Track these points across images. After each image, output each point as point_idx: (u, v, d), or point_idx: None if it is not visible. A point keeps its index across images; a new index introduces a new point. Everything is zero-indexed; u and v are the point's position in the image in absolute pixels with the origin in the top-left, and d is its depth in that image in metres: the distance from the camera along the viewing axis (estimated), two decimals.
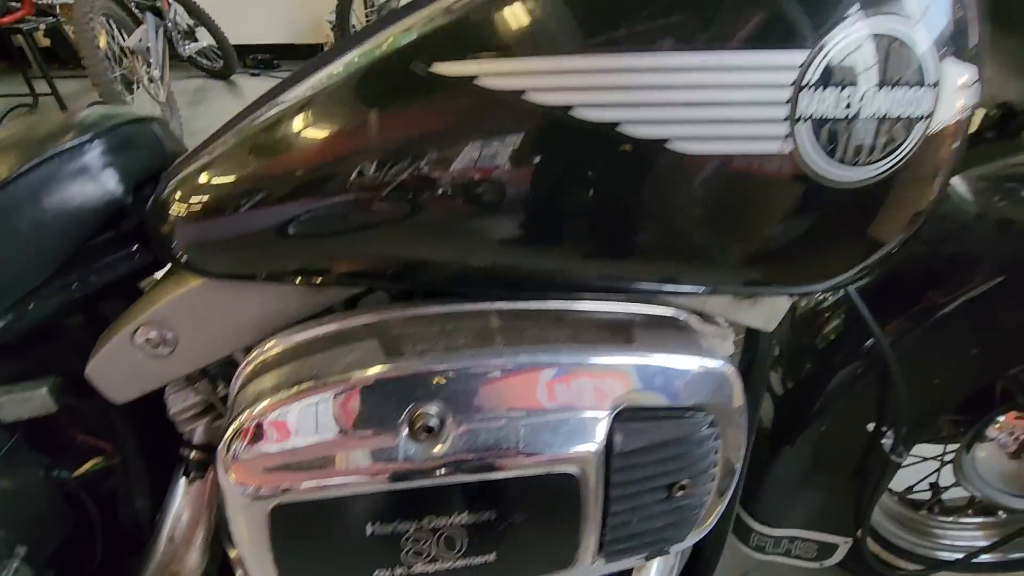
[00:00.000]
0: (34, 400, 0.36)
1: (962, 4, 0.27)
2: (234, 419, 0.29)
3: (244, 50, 3.54)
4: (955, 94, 0.27)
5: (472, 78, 0.26)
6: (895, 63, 0.25)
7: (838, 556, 0.72)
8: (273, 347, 0.33)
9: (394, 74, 0.28)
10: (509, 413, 0.29)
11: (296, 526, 0.29)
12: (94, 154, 0.37)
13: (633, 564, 0.38)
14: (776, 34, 0.25)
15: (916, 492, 0.84)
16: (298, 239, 0.31)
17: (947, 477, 0.77)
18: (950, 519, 0.83)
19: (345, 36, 3.26)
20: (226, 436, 0.28)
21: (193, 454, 0.41)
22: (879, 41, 0.24)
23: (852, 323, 0.60)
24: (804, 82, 0.25)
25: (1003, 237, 0.54)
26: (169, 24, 2.56)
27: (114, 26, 2.17)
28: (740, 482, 0.44)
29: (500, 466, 0.28)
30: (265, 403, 0.29)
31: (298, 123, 0.30)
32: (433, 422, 0.28)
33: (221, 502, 0.30)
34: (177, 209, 0.31)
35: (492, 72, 0.26)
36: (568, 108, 0.26)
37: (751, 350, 0.48)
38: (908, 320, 0.57)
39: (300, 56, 3.77)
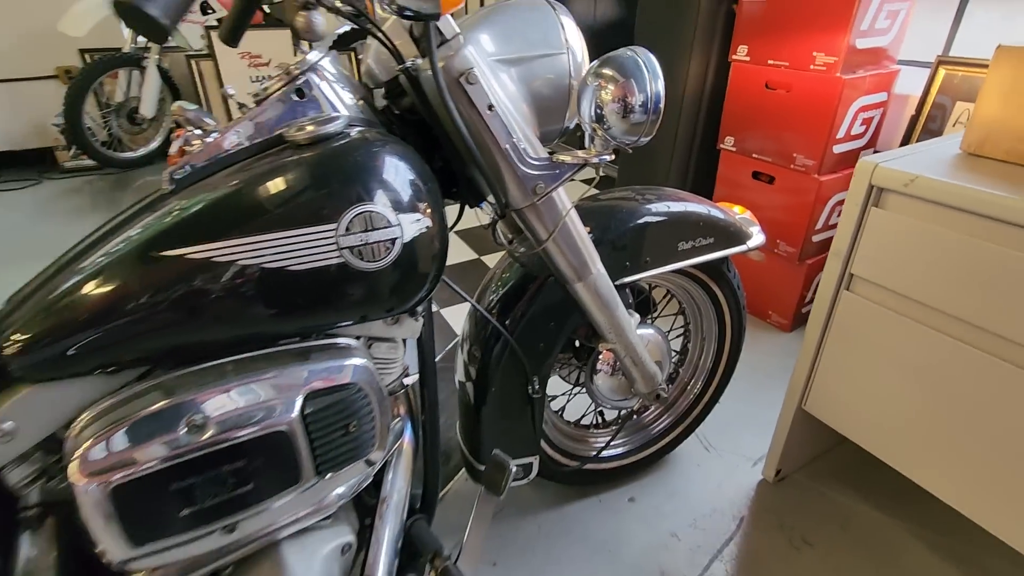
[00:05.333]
0: None
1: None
2: (77, 450, 0.51)
3: None
4: (413, 225, 0.63)
5: (181, 255, 0.54)
6: (377, 221, 0.60)
7: (535, 470, 1.10)
8: (91, 412, 0.55)
9: (137, 257, 0.54)
10: (242, 407, 0.56)
11: (131, 497, 0.52)
12: None
13: (351, 477, 0.67)
14: (317, 212, 0.58)
15: (584, 421, 1.29)
16: (99, 352, 0.54)
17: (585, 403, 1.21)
18: (601, 432, 1.29)
19: (80, 136, 3.10)
20: (75, 460, 0.50)
21: (33, 511, 0.59)
22: (366, 213, 0.59)
23: (490, 325, 0.98)
24: (343, 232, 0.59)
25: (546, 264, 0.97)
26: None
27: None
28: (417, 412, 0.78)
29: (241, 434, 0.55)
30: (96, 434, 0.52)
31: (90, 284, 0.54)
32: (200, 421, 0.54)
33: (79, 503, 0.51)
34: (11, 338, 0.53)
35: (190, 252, 0.54)
36: (232, 261, 0.55)
37: (420, 349, 0.82)
38: (516, 312, 0.97)
39: (25, 163, 3.43)
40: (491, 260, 2.31)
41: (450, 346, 1.69)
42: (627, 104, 0.69)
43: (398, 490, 0.79)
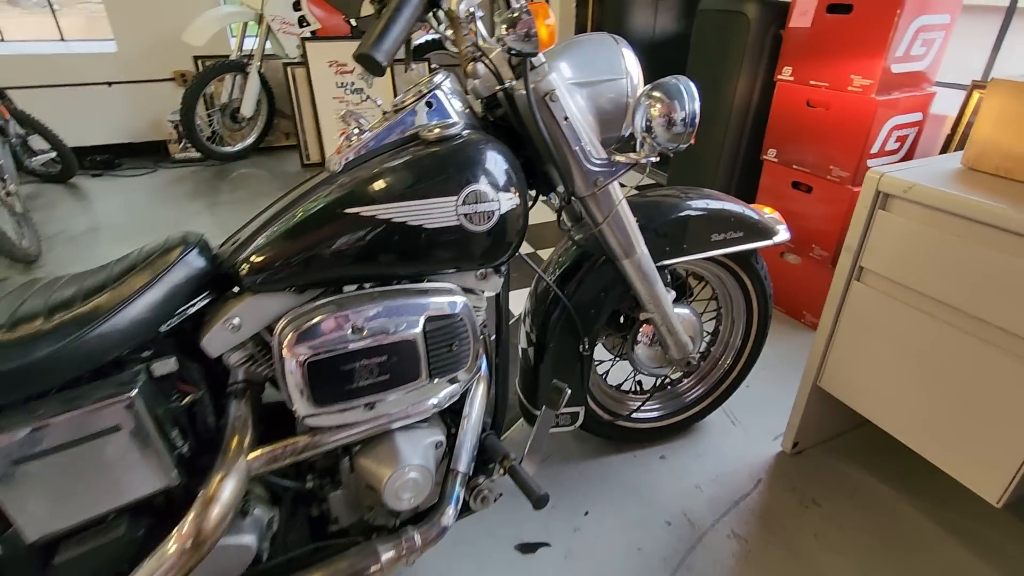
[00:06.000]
0: (170, 364, 0.80)
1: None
2: (284, 339, 0.77)
3: (82, 152, 3.63)
4: (507, 202, 0.87)
5: (356, 213, 0.80)
6: (483, 197, 0.84)
7: (580, 419, 1.32)
8: (289, 315, 0.81)
9: (324, 212, 0.81)
10: (386, 320, 0.82)
11: (315, 369, 0.78)
12: (185, 262, 0.82)
13: (448, 388, 0.92)
14: (444, 187, 0.82)
15: (624, 387, 1.50)
16: (296, 275, 0.81)
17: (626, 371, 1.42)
18: (637, 396, 1.50)
19: (191, 132, 3.55)
20: (283, 346, 0.77)
21: (238, 385, 0.87)
22: (476, 190, 0.83)
23: (549, 297, 1.21)
24: (462, 203, 0.83)
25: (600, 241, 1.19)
26: (13, 140, 2.69)
27: None
28: (497, 348, 1.02)
29: (384, 339, 0.81)
30: (294, 329, 0.78)
31: (293, 230, 0.80)
32: (359, 326, 0.79)
33: (283, 373, 0.77)
34: (245, 263, 0.80)
35: (361, 211, 0.80)
36: (388, 219, 0.81)
37: (497, 304, 1.06)
38: (573, 284, 1.20)
39: (142, 153, 3.94)
40: (544, 254, 2.54)
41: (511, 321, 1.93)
42: (671, 119, 0.91)
43: (475, 410, 1.03)
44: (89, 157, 3.68)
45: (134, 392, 0.72)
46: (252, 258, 0.80)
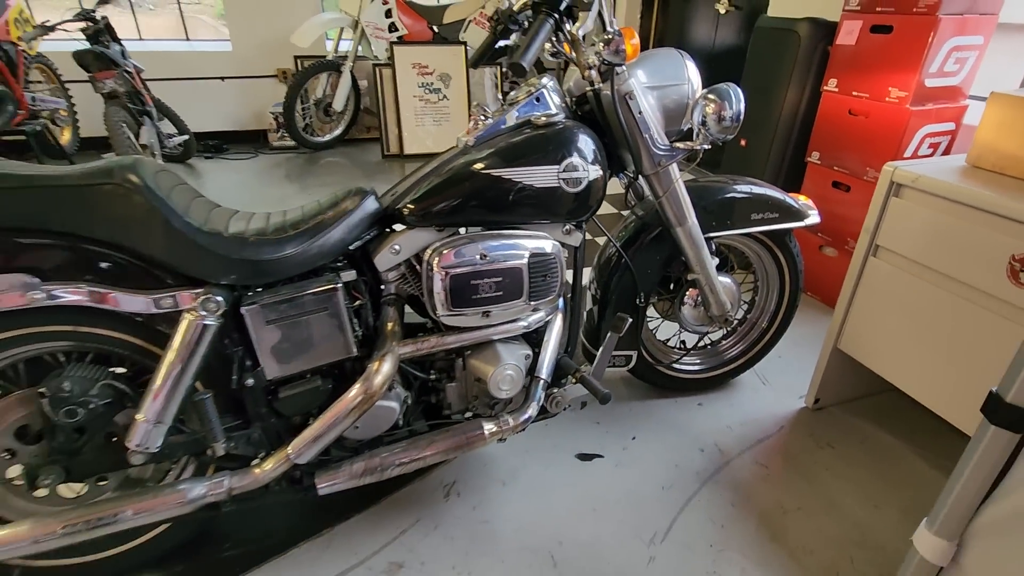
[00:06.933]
0: (352, 274, 1.15)
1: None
2: (433, 261, 1.10)
3: (196, 137, 4.18)
4: (594, 173, 1.16)
5: (488, 173, 1.13)
6: (577, 167, 1.14)
7: (633, 361, 1.61)
8: (435, 245, 1.14)
9: (465, 171, 1.13)
10: (504, 252, 1.14)
11: (454, 281, 1.10)
12: (363, 205, 1.17)
13: (535, 315, 1.23)
14: (550, 158, 1.13)
15: (670, 343, 1.78)
16: (444, 216, 1.14)
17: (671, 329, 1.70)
18: (680, 350, 1.77)
19: (291, 123, 4.03)
20: (432, 266, 1.09)
21: (390, 297, 1.21)
22: (573, 161, 1.14)
23: (613, 261, 1.51)
24: (562, 171, 1.14)
25: (659, 212, 1.48)
26: (157, 123, 3.21)
27: (126, 127, 2.82)
28: (572, 292, 1.33)
29: (502, 264, 1.12)
30: (440, 253, 1.11)
31: (443, 182, 1.13)
32: (486, 253, 1.12)
33: (430, 287, 1.10)
34: (406, 206, 1.13)
35: (492, 171, 1.13)
36: (510, 178, 1.13)
37: (574, 256, 1.36)
38: (634, 248, 1.49)
39: (244, 140, 4.46)
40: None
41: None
42: (721, 115, 1.19)
43: (555, 333, 1.33)
44: (202, 141, 4.22)
45: (338, 286, 1.07)
46: (412, 204, 1.14)
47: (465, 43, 4.06)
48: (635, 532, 1.30)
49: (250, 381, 1.06)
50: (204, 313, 0.97)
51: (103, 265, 0.95)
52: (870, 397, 1.74)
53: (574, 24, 1.16)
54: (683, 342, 1.80)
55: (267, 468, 1.08)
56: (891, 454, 1.53)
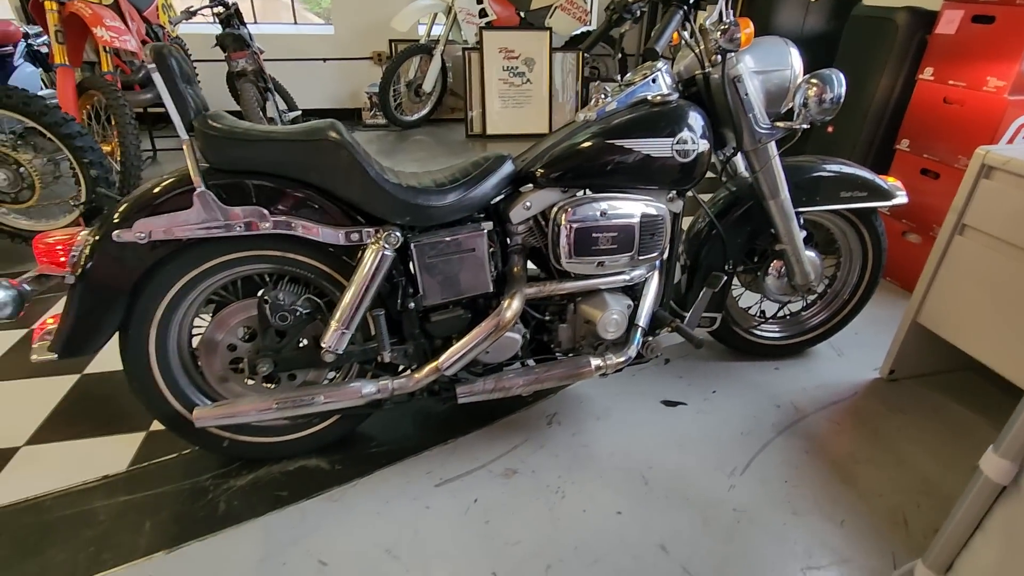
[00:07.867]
0: (489, 225, 1.37)
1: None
2: (560, 216, 1.31)
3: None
4: (703, 146, 1.33)
5: (611, 142, 1.32)
6: (688, 140, 1.31)
7: (716, 323, 1.77)
8: (560, 204, 1.35)
9: (591, 140, 1.33)
10: (619, 211, 1.33)
11: (578, 233, 1.32)
12: (501, 169, 1.39)
13: (638, 271, 1.42)
14: (665, 132, 1.31)
15: (751, 311, 1.93)
16: (567, 179, 1.34)
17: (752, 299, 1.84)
18: (761, 319, 1.91)
19: (385, 102, 4.34)
20: (560, 220, 1.30)
21: (515, 247, 1.43)
22: (685, 135, 1.31)
23: (705, 230, 1.67)
24: (675, 143, 1.31)
25: (752, 189, 1.63)
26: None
27: (256, 103, 3.18)
28: (669, 254, 1.51)
29: (616, 221, 1.32)
30: (564, 210, 1.32)
31: (570, 150, 1.33)
32: (605, 211, 1.32)
33: (558, 238, 1.31)
34: (539, 169, 1.34)
35: (615, 141, 1.32)
36: (631, 149, 1.32)
37: (673, 222, 1.54)
38: (726, 218, 1.65)
39: (340, 117, 4.81)
40: None
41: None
42: (822, 98, 1.33)
43: (653, 287, 1.52)
44: (306, 118, 4.61)
45: (485, 231, 1.30)
46: (543, 168, 1.35)
47: (550, 29, 4.23)
48: (717, 465, 1.48)
49: (411, 304, 1.31)
50: (386, 245, 1.22)
51: (311, 204, 1.21)
52: (945, 374, 1.83)
53: (696, 15, 1.32)
54: (763, 311, 1.94)
55: (421, 376, 1.34)
56: (963, 425, 1.63)
